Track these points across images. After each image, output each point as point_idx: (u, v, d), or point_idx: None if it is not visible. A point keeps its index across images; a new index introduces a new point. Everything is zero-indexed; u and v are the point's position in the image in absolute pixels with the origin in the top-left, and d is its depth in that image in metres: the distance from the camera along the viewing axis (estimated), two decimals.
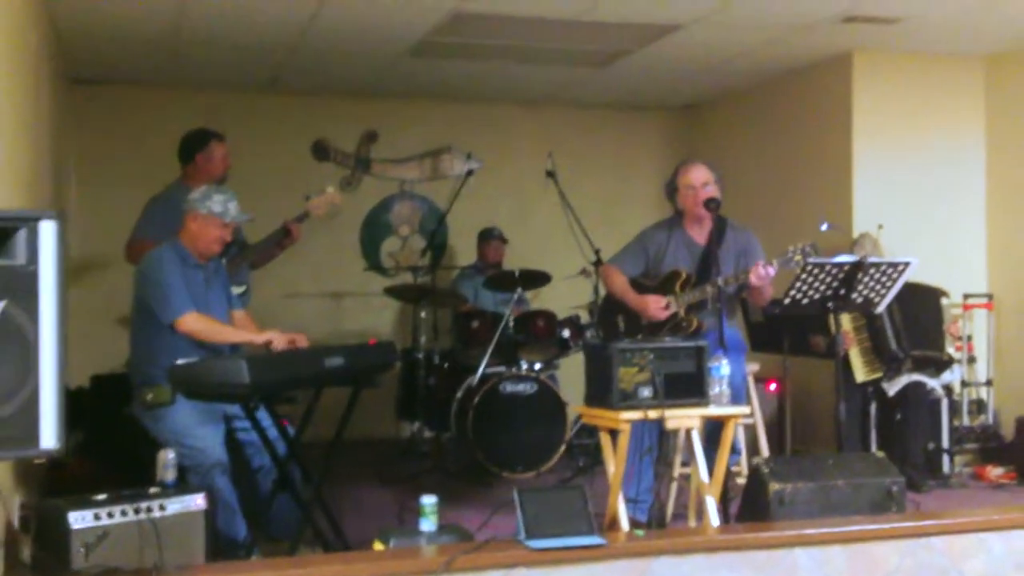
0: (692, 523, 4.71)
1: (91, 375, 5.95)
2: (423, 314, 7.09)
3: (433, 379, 6.98)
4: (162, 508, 3.55)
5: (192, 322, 4.28)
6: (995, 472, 6.39)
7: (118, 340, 6.54)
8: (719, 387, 4.22)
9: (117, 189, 7.43)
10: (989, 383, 7.07)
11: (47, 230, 2.69)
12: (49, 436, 2.65)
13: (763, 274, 4.66)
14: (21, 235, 2.66)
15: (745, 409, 4.50)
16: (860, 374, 6.20)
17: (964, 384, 6.95)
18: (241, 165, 5.87)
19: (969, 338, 7.04)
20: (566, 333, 6.87)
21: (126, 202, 6.22)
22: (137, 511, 3.47)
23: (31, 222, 2.68)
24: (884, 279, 4.74)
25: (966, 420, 6.92)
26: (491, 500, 5.65)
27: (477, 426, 6.35)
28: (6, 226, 2.66)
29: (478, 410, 6.36)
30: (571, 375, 7.30)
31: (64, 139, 6.61)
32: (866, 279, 4.70)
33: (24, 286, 2.65)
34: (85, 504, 3.41)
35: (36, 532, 3.50)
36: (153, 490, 3.64)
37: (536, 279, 6.84)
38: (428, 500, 3.81)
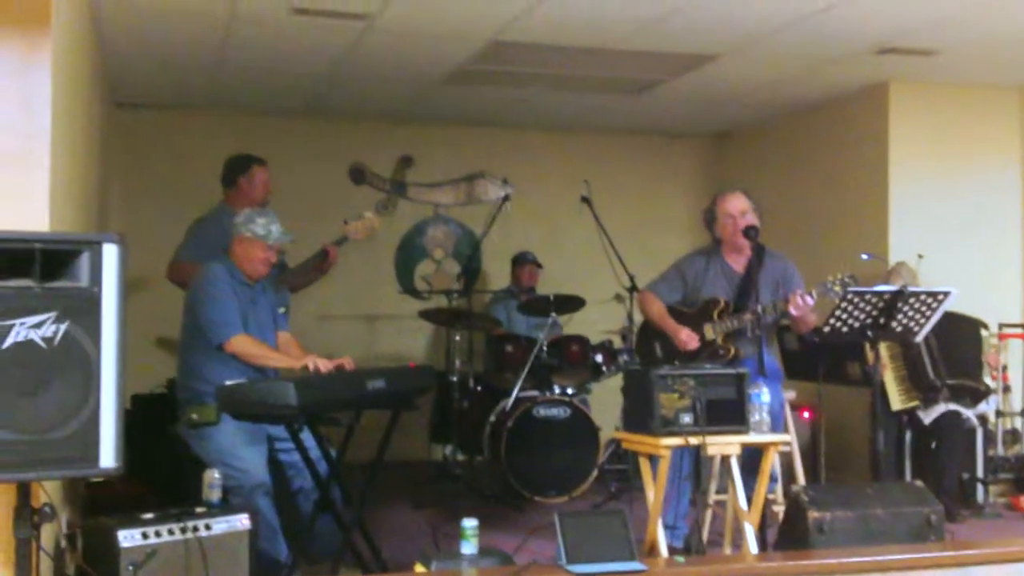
0: (727, 550, 4.72)
1: (131, 395, 6.03)
2: (457, 337, 7.13)
3: (467, 402, 7.01)
4: (208, 528, 3.61)
5: (240, 344, 4.35)
6: None
7: (158, 360, 6.65)
8: (759, 414, 4.24)
9: (157, 211, 7.54)
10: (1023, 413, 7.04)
11: (110, 253, 2.77)
12: (108, 455, 2.72)
13: (801, 304, 4.69)
14: (84, 258, 2.74)
15: (785, 436, 4.52)
16: (896, 402, 6.19)
17: (999, 414, 6.91)
18: (279, 188, 5.95)
19: (1004, 368, 7.00)
20: (599, 358, 6.90)
21: (166, 224, 6.31)
22: (184, 530, 3.54)
23: (94, 245, 2.75)
24: (924, 308, 4.75)
25: (1001, 450, 6.88)
26: (524, 524, 5.67)
27: (510, 450, 6.38)
28: (71, 248, 2.73)
29: (511, 434, 6.39)
30: (602, 400, 7.34)
31: (107, 162, 6.71)
32: (906, 308, 4.71)
33: (86, 308, 2.72)
34: (134, 523, 3.47)
35: (84, 550, 3.55)
36: (199, 509, 3.69)
37: (570, 304, 6.87)
38: (470, 523, 3.83)
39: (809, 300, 4.70)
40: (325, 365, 4.27)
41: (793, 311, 4.71)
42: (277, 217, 4.62)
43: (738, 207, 4.99)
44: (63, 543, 3.45)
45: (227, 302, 4.40)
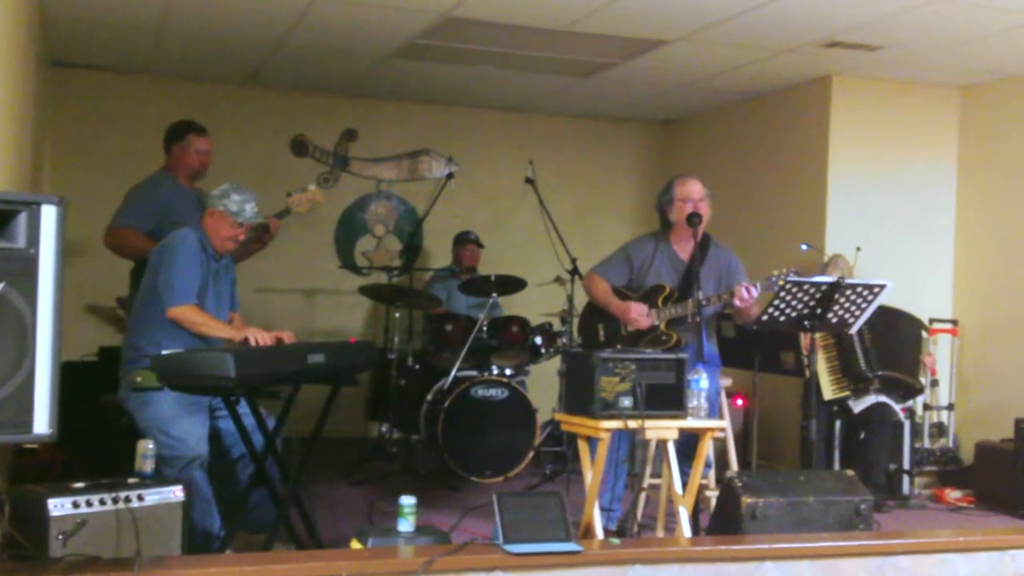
0: (660, 533, 4.76)
1: (62, 362, 5.90)
2: (397, 315, 7.09)
3: (404, 380, 6.99)
4: (141, 498, 3.54)
5: (183, 312, 4.27)
6: (953, 495, 6.52)
7: (89, 328, 6.54)
8: (697, 400, 4.27)
9: (91, 175, 7.39)
10: (951, 407, 7.20)
11: (48, 214, 2.70)
12: (43, 421, 2.65)
13: (746, 296, 4.73)
14: (22, 218, 2.67)
15: (722, 423, 4.57)
16: (828, 392, 6.30)
17: (926, 407, 7.07)
18: (219, 157, 5.84)
19: (932, 362, 7.15)
20: (538, 340, 6.91)
21: (100, 189, 6.18)
22: (116, 500, 3.46)
23: (33, 206, 2.68)
24: (859, 300, 4.82)
25: (927, 443, 7.04)
26: (459, 503, 5.68)
27: (447, 429, 6.37)
28: (8, 209, 2.66)
29: (448, 413, 6.38)
30: (540, 382, 7.36)
31: (41, 122, 6.54)
32: (842, 300, 4.77)
33: (23, 269, 2.65)
34: (64, 491, 3.39)
35: (11, 517, 3.46)
36: (132, 480, 3.62)
37: (511, 285, 6.87)
38: (407, 501, 3.81)
39: (754, 292, 4.74)
40: (264, 338, 4.21)
41: (737, 303, 4.76)
42: (256, 198, 4.54)
43: (694, 192, 5.02)
44: None
45: (190, 271, 4.33)
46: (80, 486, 3.46)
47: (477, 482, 6.36)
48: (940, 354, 7.25)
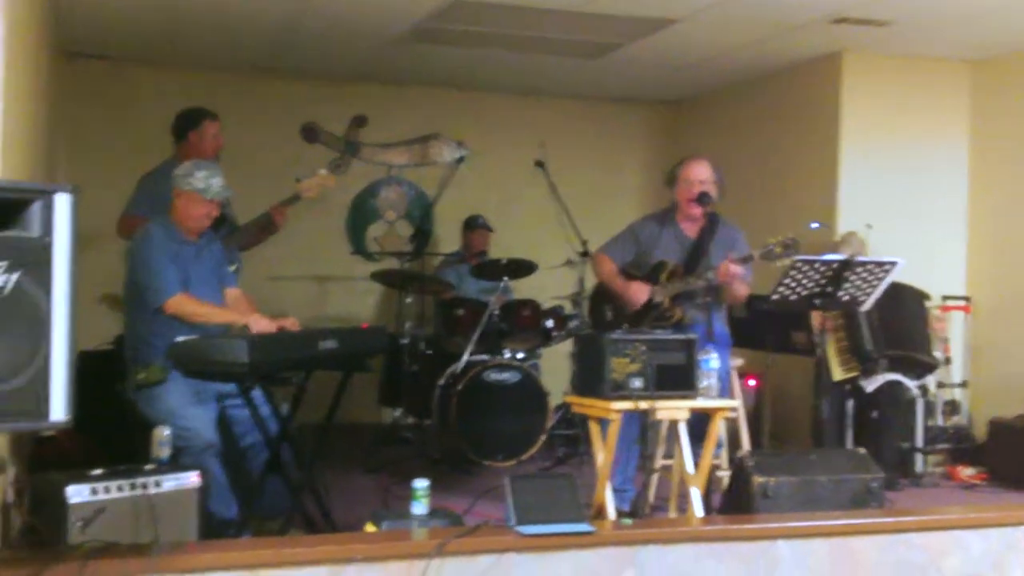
0: (673, 514, 4.79)
1: (78, 351, 5.93)
2: (408, 300, 7.11)
3: (416, 365, 7.00)
4: (157, 485, 3.58)
5: (177, 305, 4.29)
6: (966, 472, 6.51)
7: (104, 317, 6.55)
8: (708, 380, 4.29)
9: (105, 164, 7.41)
10: (964, 384, 7.20)
11: (62, 204, 2.71)
12: (59, 409, 2.67)
13: (731, 271, 4.73)
14: (36, 208, 2.68)
15: (733, 402, 4.58)
16: (837, 373, 6.30)
17: (939, 385, 7.05)
18: (231, 145, 5.86)
19: (946, 340, 7.15)
20: (550, 323, 6.92)
21: (113, 178, 6.19)
22: (133, 487, 3.50)
23: (46, 195, 2.70)
24: (870, 278, 4.82)
25: (940, 420, 7.03)
26: (473, 487, 5.70)
27: (459, 414, 6.39)
28: (22, 198, 2.67)
29: (461, 398, 6.40)
30: (552, 365, 7.37)
31: (55, 112, 6.57)
32: (853, 277, 4.78)
33: (38, 258, 2.66)
34: (82, 479, 3.43)
35: (31, 505, 3.51)
36: (149, 467, 3.66)
37: (522, 268, 6.88)
38: (420, 484, 3.84)
39: (739, 269, 4.74)
40: (266, 325, 4.21)
41: (721, 276, 4.76)
42: (220, 171, 4.54)
43: (698, 175, 5.03)
44: (10, 498, 3.40)
45: (162, 265, 4.32)
46: (98, 473, 3.50)
47: (490, 466, 6.38)
48: (953, 331, 7.24)
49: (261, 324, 4.21)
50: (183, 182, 4.44)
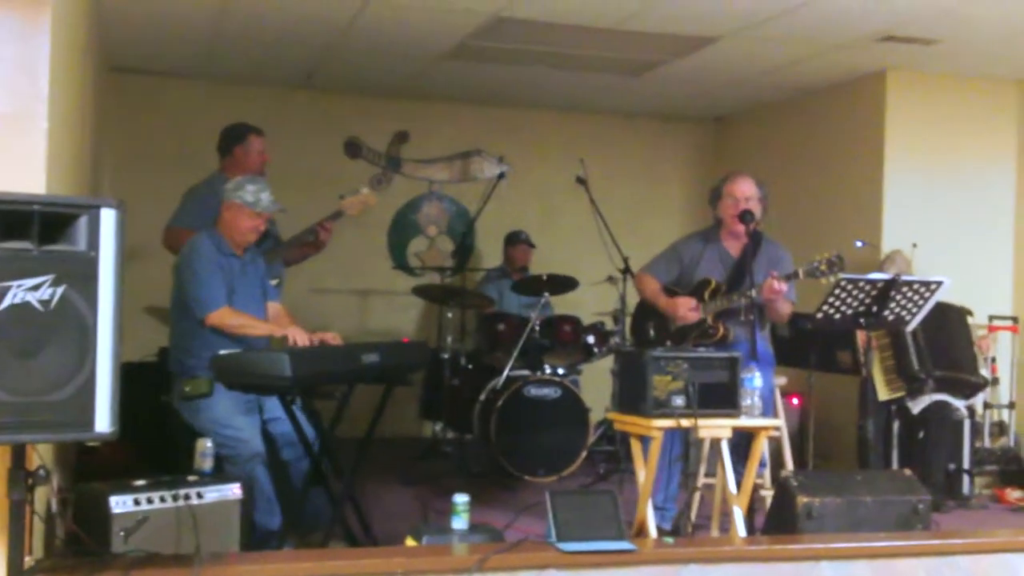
0: (715, 533, 4.73)
1: (123, 363, 6.00)
2: (449, 315, 7.13)
3: (457, 380, 7.01)
4: (200, 496, 3.61)
5: (219, 317, 4.33)
6: (1014, 495, 6.39)
7: (149, 329, 6.63)
8: (751, 399, 4.25)
9: (150, 178, 7.50)
10: (1011, 406, 7.07)
11: (108, 218, 2.75)
12: (104, 420, 2.71)
13: (776, 288, 4.68)
14: (83, 222, 2.73)
15: (776, 421, 4.53)
16: (882, 393, 6.22)
17: (987, 406, 6.94)
18: (274, 160, 5.91)
19: (993, 360, 7.04)
20: (591, 339, 6.90)
21: (157, 192, 6.26)
22: (176, 498, 3.54)
23: (93, 209, 2.74)
24: (916, 297, 4.76)
25: (987, 442, 6.91)
26: (513, 503, 5.69)
27: (500, 429, 6.39)
28: (69, 213, 2.72)
29: (501, 413, 6.39)
30: (593, 382, 7.35)
31: (101, 127, 6.67)
32: (899, 297, 4.72)
33: (84, 272, 2.71)
34: (125, 489, 3.47)
35: (75, 515, 3.54)
36: (191, 478, 3.69)
37: (563, 284, 6.87)
38: (461, 499, 3.83)
39: (783, 286, 4.69)
40: (305, 339, 4.23)
41: (766, 293, 4.71)
42: (269, 186, 4.58)
43: (743, 191, 4.99)
44: (55, 507, 3.44)
45: (210, 277, 4.37)
46: (141, 484, 3.54)
47: (530, 481, 6.37)
48: (1001, 352, 7.13)
49: (299, 336, 4.23)
50: (233, 195, 4.49)
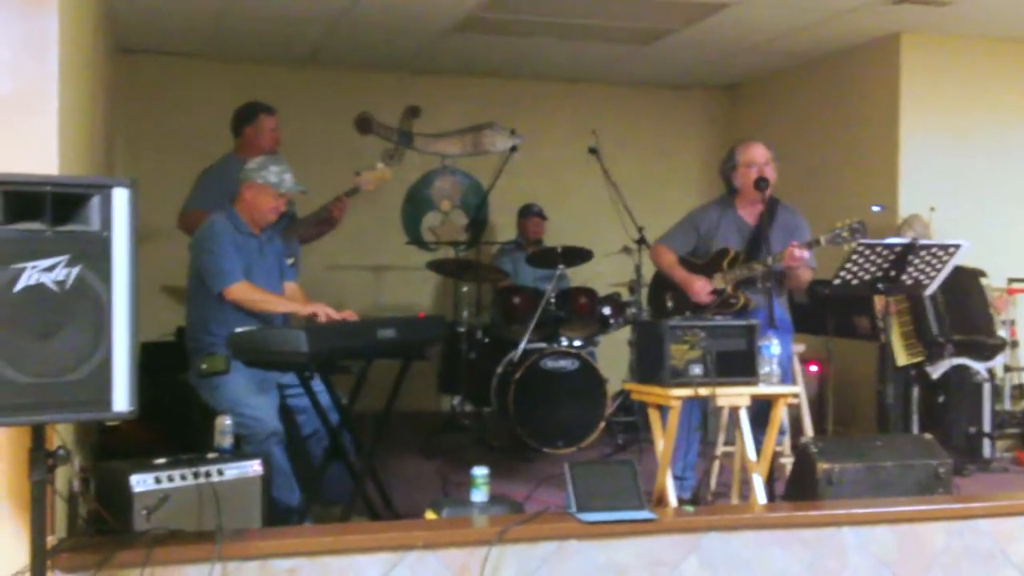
0: (735, 501, 4.74)
1: (140, 343, 6.02)
2: (464, 289, 7.12)
3: (475, 354, 7.01)
4: (220, 473, 3.62)
5: (239, 291, 4.32)
6: None
7: (166, 308, 6.65)
8: (769, 366, 4.23)
9: (161, 159, 7.51)
10: None
11: (121, 197, 2.75)
12: (122, 399, 2.71)
13: (798, 255, 4.65)
14: (95, 202, 2.72)
15: (795, 388, 4.51)
16: (901, 358, 6.18)
17: (1007, 369, 6.90)
18: (285, 137, 5.89)
19: (1012, 323, 7.00)
20: (607, 310, 6.89)
21: (169, 172, 6.28)
22: (196, 475, 3.55)
23: (105, 189, 2.73)
24: (934, 261, 4.72)
25: (1008, 405, 6.88)
26: (532, 474, 5.69)
27: (518, 401, 6.39)
28: (81, 193, 2.71)
29: (519, 385, 6.40)
30: (609, 353, 7.34)
31: (112, 108, 6.66)
32: (917, 261, 4.68)
33: (98, 252, 2.71)
34: (146, 468, 3.48)
35: (96, 494, 3.56)
36: (212, 455, 3.70)
37: (578, 256, 6.85)
38: (480, 471, 3.84)
39: (804, 254, 4.66)
40: (332, 314, 4.24)
41: (787, 260, 4.68)
42: (290, 166, 4.58)
43: (760, 157, 4.94)
44: (76, 487, 3.45)
45: (226, 251, 4.36)
46: (162, 462, 3.55)
47: (549, 453, 6.38)
48: (1020, 314, 7.08)
49: (327, 311, 4.24)
50: (256, 175, 4.48)
